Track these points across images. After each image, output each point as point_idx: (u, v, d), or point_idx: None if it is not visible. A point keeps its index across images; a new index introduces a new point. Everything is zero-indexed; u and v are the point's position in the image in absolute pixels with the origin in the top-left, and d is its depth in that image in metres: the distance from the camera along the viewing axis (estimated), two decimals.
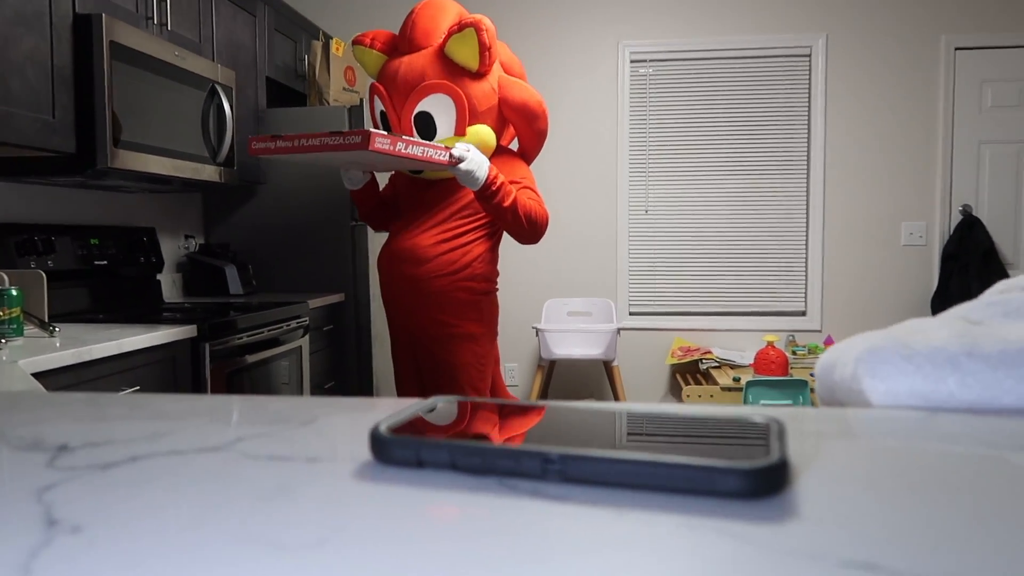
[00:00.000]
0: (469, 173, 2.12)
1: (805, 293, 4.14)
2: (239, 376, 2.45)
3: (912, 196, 4.05)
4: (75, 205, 2.69)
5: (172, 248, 3.24)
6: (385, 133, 1.93)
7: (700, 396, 3.55)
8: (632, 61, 4.14)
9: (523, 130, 2.39)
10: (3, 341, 1.76)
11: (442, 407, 0.45)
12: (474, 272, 2.28)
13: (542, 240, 4.21)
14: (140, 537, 0.30)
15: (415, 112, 2.29)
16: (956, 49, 3.94)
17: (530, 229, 2.26)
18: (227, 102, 2.77)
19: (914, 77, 3.99)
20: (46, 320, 2.06)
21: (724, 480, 0.33)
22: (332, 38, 3.58)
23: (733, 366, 3.88)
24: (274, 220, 3.34)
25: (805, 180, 4.10)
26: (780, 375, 3.54)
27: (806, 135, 4.08)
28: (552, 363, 4.06)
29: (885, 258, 4.08)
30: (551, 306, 4.14)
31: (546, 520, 0.32)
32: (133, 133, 2.30)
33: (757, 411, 0.43)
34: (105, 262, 2.68)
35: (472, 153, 2.13)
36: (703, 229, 4.16)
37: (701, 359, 3.91)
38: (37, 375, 1.64)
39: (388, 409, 0.52)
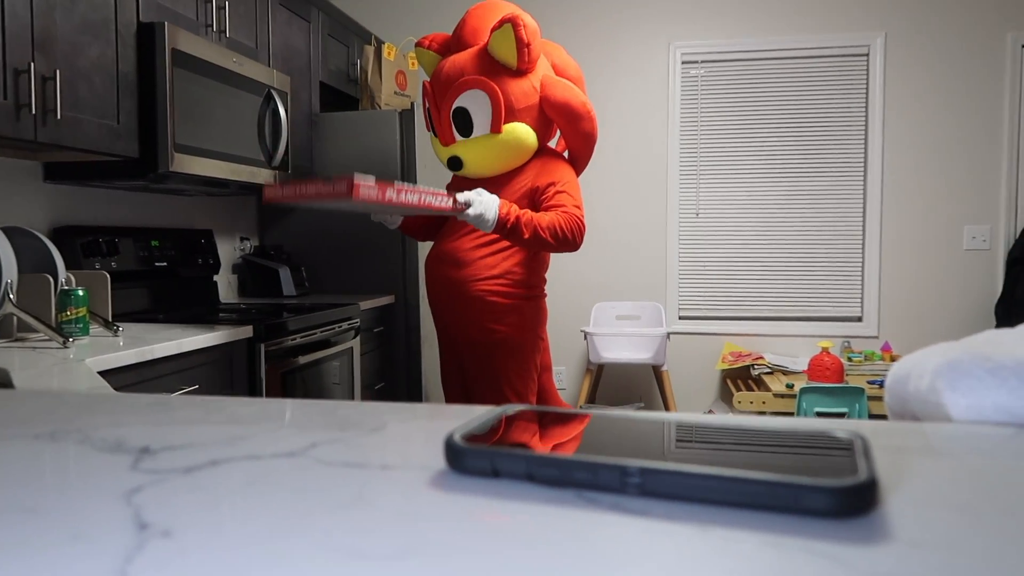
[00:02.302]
0: (479, 217, 2.05)
1: (861, 298, 4.04)
2: (293, 376, 2.49)
3: (975, 199, 3.92)
4: (136, 208, 2.77)
5: (228, 250, 3.31)
6: (372, 182, 1.81)
7: (752, 403, 3.49)
8: (683, 62, 4.10)
9: (567, 132, 2.32)
10: (70, 340, 1.82)
11: (513, 415, 0.45)
12: (514, 277, 2.25)
13: (591, 243, 4.19)
14: (228, 544, 0.30)
15: (453, 108, 2.28)
16: (1023, 47, 3.80)
17: (559, 246, 2.16)
18: (282, 107, 2.82)
19: (978, 76, 3.87)
20: (110, 320, 2.12)
21: (812, 498, 0.32)
22: (384, 43, 3.62)
23: (786, 372, 3.81)
24: (326, 223, 3.39)
25: (862, 182, 4.01)
26: (835, 382, 3.46)
27: (863, 136, 3.99)
28: (600, 367, 4.04)
29: (946, 263, 3.96)
30: (600, 309, 4.12)
31: (627, 535, 0.32)
32: (193, 138, 2.36)
33: (839, 425, 0.42)
34: (165, 263, 2.75)
35: (483, 196, 2.06)
36: (755, 232, 4.10)
37: (753, 365, 3.85)
38: (102, 373, 1.69)
39: (454, 416, 0.52)
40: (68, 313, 1.96)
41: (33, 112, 1.85)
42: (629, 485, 0.35)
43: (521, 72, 2.25)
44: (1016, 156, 3.85)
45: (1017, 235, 3.85)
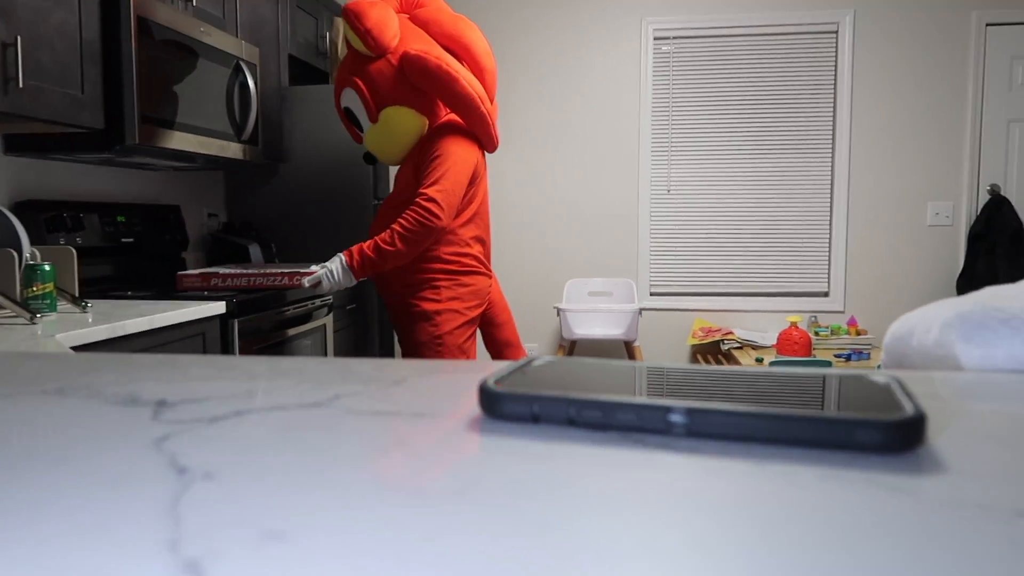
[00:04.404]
0: (335, 285, 2.15)
1: (828, 274, 4.10)
2: (267, 352, 2.45)
3: (939, 176, 3.99)
4: (101, 182, 2.70)
5: (195, 226, 3.24)
6: (196, 272, 2.25)
7: None
8: (655, 38, 4.09)
9: (441, 97, 2.23)
10: (38, 316, 1.77)
11: (543, 364, 0.44)
12: (428, 254, 2.24)
13: (564, 220, 4.19)
14: (277, 483, 0.29)
15: (343, 110, 2.33)
16: (987, 25, 3.87)
17: (420, 241, 2.13)
18: (251, 79, 2.76)
19: (943, 54, 3.93)
20: (77, 296, 2.06)
21: (865, 433, 0.32)
22: None
23: (755, 347, 3.86)
24: (296, 198, 3.33)
25: (830, 159, 4.06)
26: (804, 356, 3.51)
27: (831, 113, 4.03)
28: (573, 343, 4.06)
29: (910, 239, 4.03)
30: (572, 286, 4.13)
31: (681, 472, 0.31)
32: (160, 109, 2.30)
33: (873, 372, 0.42)
34: (132, 239, 2.68)
35: (332, 264, 2.15)
36: (725, 209, 4.13)
37: (723, 340, 3.89)
38: (73, 349, 1.64)
39: (473, 370, 0.51)
40: (34, 288, 1.90)
41: None
42: (675, 425, 0.35)
43: (380, 56, 2.22)
44: (978, 133, 3.93)
45: (978, 211, 3.94)
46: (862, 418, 0.33)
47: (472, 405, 0.42)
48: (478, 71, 2.31)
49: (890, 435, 0.32)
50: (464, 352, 2.34)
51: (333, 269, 2.16)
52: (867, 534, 0.25)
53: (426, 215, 2.13)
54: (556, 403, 0.37)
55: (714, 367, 0.44)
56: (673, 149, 4.13)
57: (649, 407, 0.35)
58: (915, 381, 0.50)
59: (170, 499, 0.28)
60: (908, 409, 0.34)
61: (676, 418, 0.35)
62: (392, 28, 2.21)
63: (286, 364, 0.52)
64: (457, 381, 0.48)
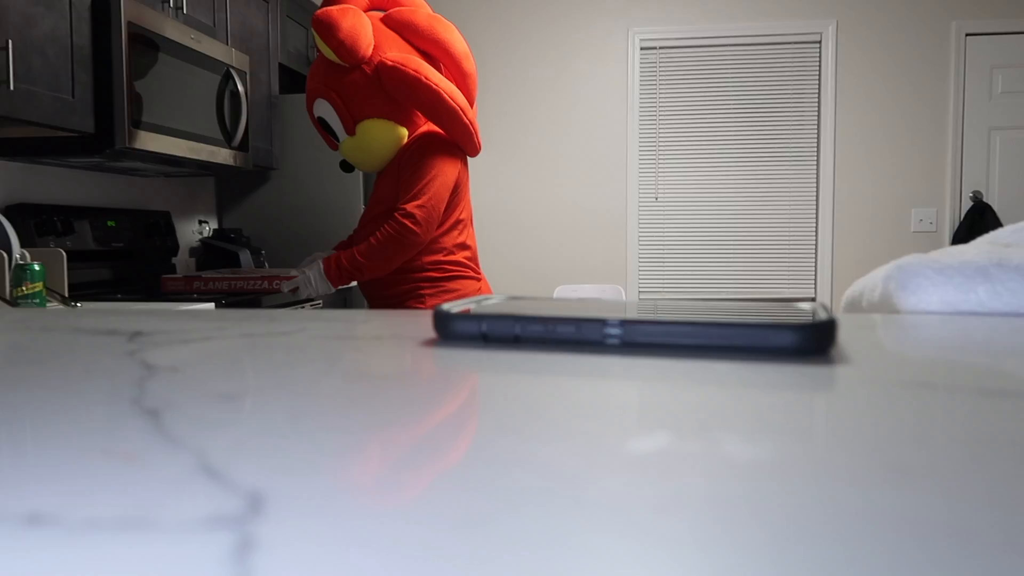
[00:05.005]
0: (312, 291, 2.17)
1: (815, 280, 4.15)
2: None
3: (922, 183, 4.05)
4: (91, 187, 2.72)
5: (185, 233, 3.27)
6: (180, 276, 2.37)
7: None
8: (642, 48, 4.15)
9: (418, 107, 2.14)
10: None
11: (496, 301, 0.47)
12: (409, 262, 2.19)
13: (553, 227, 4.23)
14: (242, 374, 0.32)
15: (316, 119, 2.26)
16: (967, 35, 3.94)
17: (396, 255, 2.10)
18: (241, 86, 2.79)
19: (924, 63, 4.00)
20: (66, 296, 2.08)
21: (780, 336, 0.35)
22: None
23: None
24: (286, 205, 3.36)
25: (815, 167, 4.11)
26: None
27: (816, 122, 4.09)
28: None
29: (895, 245, 4.08)
30: (562, 293, 4.16)
31: (613, 368, 0.34)
32: (150, 114, 2.33)
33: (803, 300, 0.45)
34: (122, 244, 2.70)
35: (310, 271, 2.16)
36: (713, 216, 4.18)
37: None
38: None
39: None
40: (24, 288, 1.92)
41: None
42: (611, 336, 0.38)
43: (355, 66, 2.12)
44: (960, 141, 3.99)
45: (961, 218, 3.99)
46: (777, 322, 0.36)
47: (429, 333, 0.45)
48: (460, 76, 2.23)
49: (800, 336, 0.35)
50: None
51: (311, 276, 2.17)
52: (783, 403, 0.28)
53: (403, 231, 2.09)
54: (503, 321, 0.39)
55: (659, 299, 0.47)
56: (661, 157, 4.18)
57: (587, 320, 0.38)
58: (845, 318, 0.53)
59: (137, 380, 0.30)
60: (821, 317, 0.37)
61: (611, 329, 0.38)
62: (366, 37, 2.10)
63: (260, 313, 0.55)
64: (419, 321, 0.51)
